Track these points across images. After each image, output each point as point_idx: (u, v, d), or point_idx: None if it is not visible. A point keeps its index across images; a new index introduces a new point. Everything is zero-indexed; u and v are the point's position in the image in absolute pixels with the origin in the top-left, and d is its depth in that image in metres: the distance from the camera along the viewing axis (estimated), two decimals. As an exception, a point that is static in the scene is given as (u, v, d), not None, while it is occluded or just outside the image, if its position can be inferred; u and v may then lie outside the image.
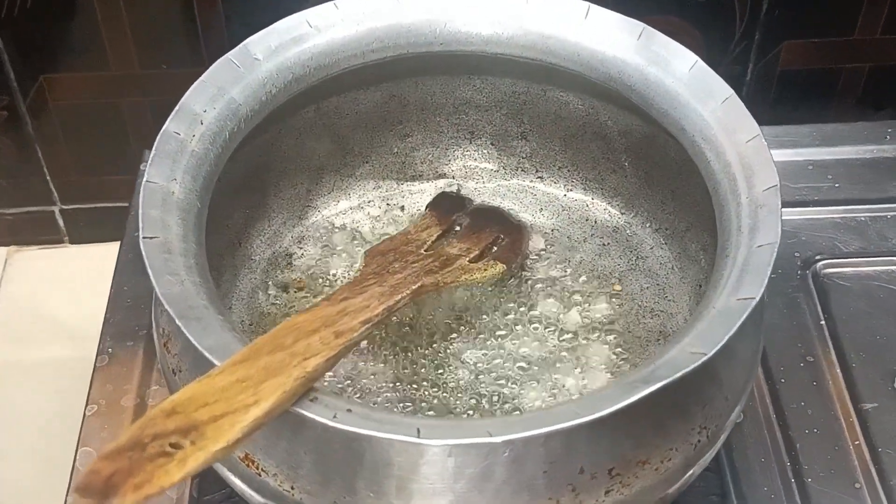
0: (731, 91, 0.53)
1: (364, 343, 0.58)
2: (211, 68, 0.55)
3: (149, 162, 0.51)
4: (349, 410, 0.42)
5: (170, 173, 0.51)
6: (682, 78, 0.55)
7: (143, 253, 0.47)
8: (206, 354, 0.43)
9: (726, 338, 0.43)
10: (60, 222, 0.96)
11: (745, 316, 0.44)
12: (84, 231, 0.97)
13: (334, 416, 0.42)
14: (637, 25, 0.56)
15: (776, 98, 0.89)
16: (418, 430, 0.42)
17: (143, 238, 0.48)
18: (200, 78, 0.54)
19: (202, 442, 0.37)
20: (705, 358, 0.43)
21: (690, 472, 0.48)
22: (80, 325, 0.86)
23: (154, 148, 0.51)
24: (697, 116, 0.53)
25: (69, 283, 0.97)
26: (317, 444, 0.45)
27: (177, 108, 0.53)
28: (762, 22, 0.84)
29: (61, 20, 0.82)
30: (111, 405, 0.64)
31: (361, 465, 0.45)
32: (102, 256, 0.81)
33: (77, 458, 0.63)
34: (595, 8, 0.57)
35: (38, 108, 0.87)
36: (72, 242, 0.98)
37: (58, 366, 0.91)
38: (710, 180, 0.52)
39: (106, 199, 0.94)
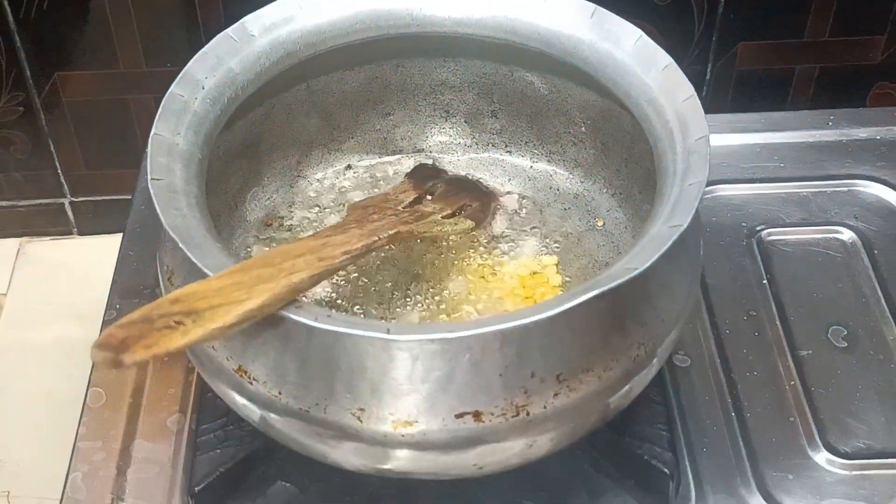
0: (671, 60, 0.60)
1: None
2: (212, 41, 0.62)
3: (156, 118, 0.58)
4: (329, 315, 0.49)
5: (174, 128, 0.58)
6: (628, 50, 0.62)
7: (152, 191, 0.54)
8: (205, 271, 0.50)
9: (656, 256, 0.50)
10: (70, 214, 1.03)
11: (673, 239, 0.51)
12: (92, 222, 1.04)
13: (316, 319, 0.48)
14: (590, 6, 0.63)
15: (735, 95, 0.96)
16: (388, 329, 0.48)
17: (152, 179, 0.54)
18: (202, 49, 0.61)
19: (202, 321, 0.44)
20: (637, 272, 0.49)
21: (629, 385, 0.55)
22: (86, 309, 0.92)
23: (161, 107, 0.58)
24: (641, 83, 0.60)
25: (77, 271, 1.03)
26: (300, 353, 0.51)
27: (181, 74, 0.60)
28: (718, 24, 0.91)
29: (75, 21, 0.90)
30: (110, 390, 0.69)
31: (339, 369, 0.51)
32: (109, 246, 0.85)
33: (78, 432, 0.67)
34: (553, -8, 0.64)
35: (52, 104, 0.94)
36: (80, 234, 1.05)
37: (65, 345, 0.97)
38: (651, 135, 0.59)
39: (114, 191, 1.01)
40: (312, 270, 0.51)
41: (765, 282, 0.73)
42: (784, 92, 0.96)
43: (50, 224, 1.03)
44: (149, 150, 0.56)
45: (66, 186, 1.01)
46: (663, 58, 0.61)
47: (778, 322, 0.71)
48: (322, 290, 0.65)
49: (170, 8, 0.90)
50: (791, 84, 0.96)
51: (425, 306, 0.64)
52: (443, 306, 0.64)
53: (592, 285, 0.49)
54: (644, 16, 0.89)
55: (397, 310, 0.64)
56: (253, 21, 0.63)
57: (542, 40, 0.64)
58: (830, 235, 0.76)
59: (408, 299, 0.65)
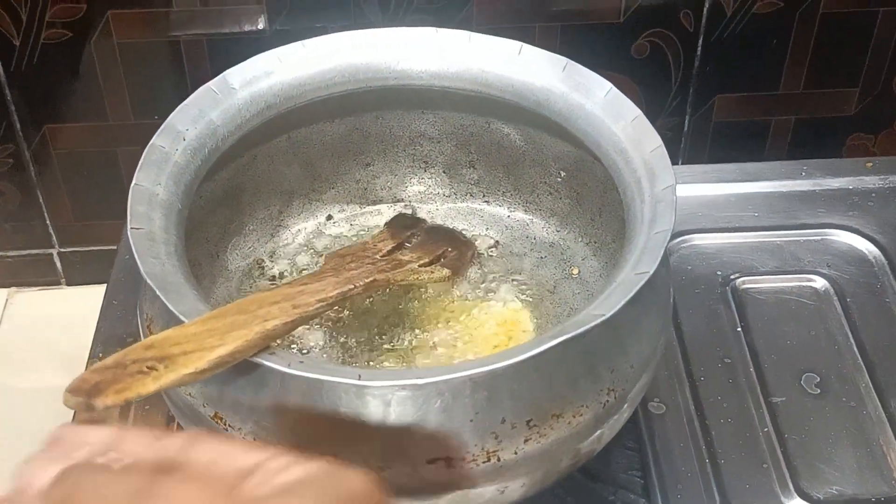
0: (639, 112, 0.62)
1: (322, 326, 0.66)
2: (194, 94, 0.63)
3: (137, 169, 0.59)
4: (301, 362, 0.50)
5: (155, 178, 0.59)
6: (598, 102, 0.63)
7: (130, 240, 0.55)
8: (181, 317, 0.51)
9: (622, 302, 0.51)
10: (58, 264, 1.04)
11: (640, 285, 0.52)
12: (80, 273, 1.04)
13: (289, 365, 0.49)
14: (561, 60, 0.65)
15: (713, 147, 0.98)
16: (359, 375, 0.49)
17: (131, 229, 0.56)
18: (184, 102, 0.63)
19: (174, 367, 0.45)
20: (603, 318, 0.50)
21: (601, 430, 0.56)
22: (73, 357, 0.93)
23: (142, 158, 0.60)
24: (611, 133, 0.62)
25: (64, 321, 1.03)
26: (274, 399, 0.52)
27: (163, 126, 0.62)
28: (695, 77, 0.93)
29: (64, 74, 0.91)
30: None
31: (312, 415, 0.52)
32: (96, 297, 0.86)
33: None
34: (526, 46, 0.66)
35: (41, 156, 0.96)
36: (68, 284, 1.05)
37: (49, 392, 0.97)
38: (620, 184, 0.60)
39: (101, 242, 1.02)
40: (286, 318, 0.52)
41: (739, 329, 0.74)
42: (761, 143, 0.98)
43: (38, 274, 1.04)
44: (129, 199, 0.57)
45: (54, 237, 1.01)
46: (632, 109, 0.62)
47: (752, 369, 0.72)
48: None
49: (158, 62, 0.91)
50: (768, 135, 0.97)
51: (401, 354, 0.65)
52: (418, 354, 0.65)
53: (561, 331, 0.50)
54: (622, 69, 0.91)
55: (371, 357, 0.65)
56: (234, 74, 0.65)
57: (516, 93, 0.66)
58: (803, 283, 0.77)
59: (383, 346, 0.66)
